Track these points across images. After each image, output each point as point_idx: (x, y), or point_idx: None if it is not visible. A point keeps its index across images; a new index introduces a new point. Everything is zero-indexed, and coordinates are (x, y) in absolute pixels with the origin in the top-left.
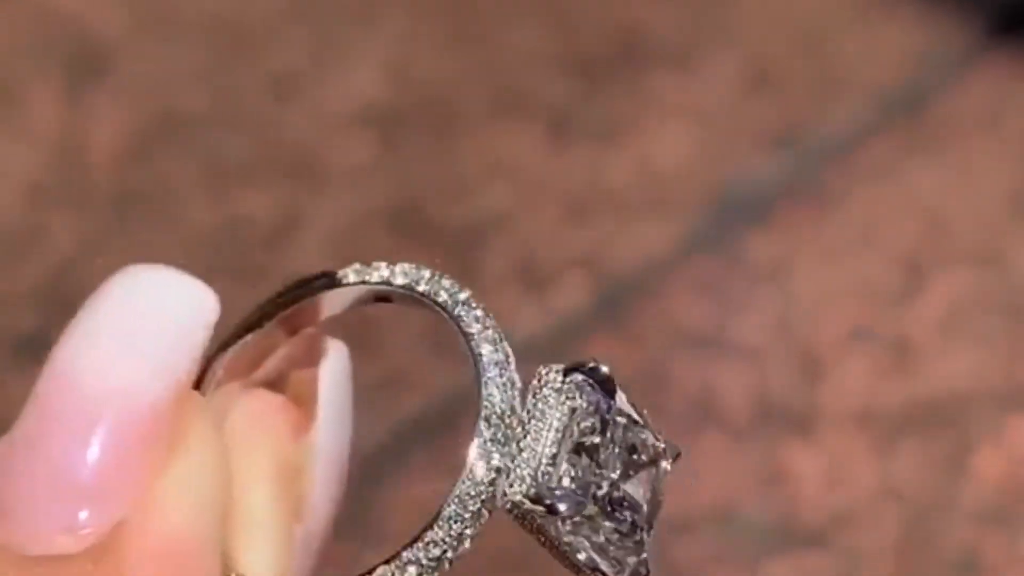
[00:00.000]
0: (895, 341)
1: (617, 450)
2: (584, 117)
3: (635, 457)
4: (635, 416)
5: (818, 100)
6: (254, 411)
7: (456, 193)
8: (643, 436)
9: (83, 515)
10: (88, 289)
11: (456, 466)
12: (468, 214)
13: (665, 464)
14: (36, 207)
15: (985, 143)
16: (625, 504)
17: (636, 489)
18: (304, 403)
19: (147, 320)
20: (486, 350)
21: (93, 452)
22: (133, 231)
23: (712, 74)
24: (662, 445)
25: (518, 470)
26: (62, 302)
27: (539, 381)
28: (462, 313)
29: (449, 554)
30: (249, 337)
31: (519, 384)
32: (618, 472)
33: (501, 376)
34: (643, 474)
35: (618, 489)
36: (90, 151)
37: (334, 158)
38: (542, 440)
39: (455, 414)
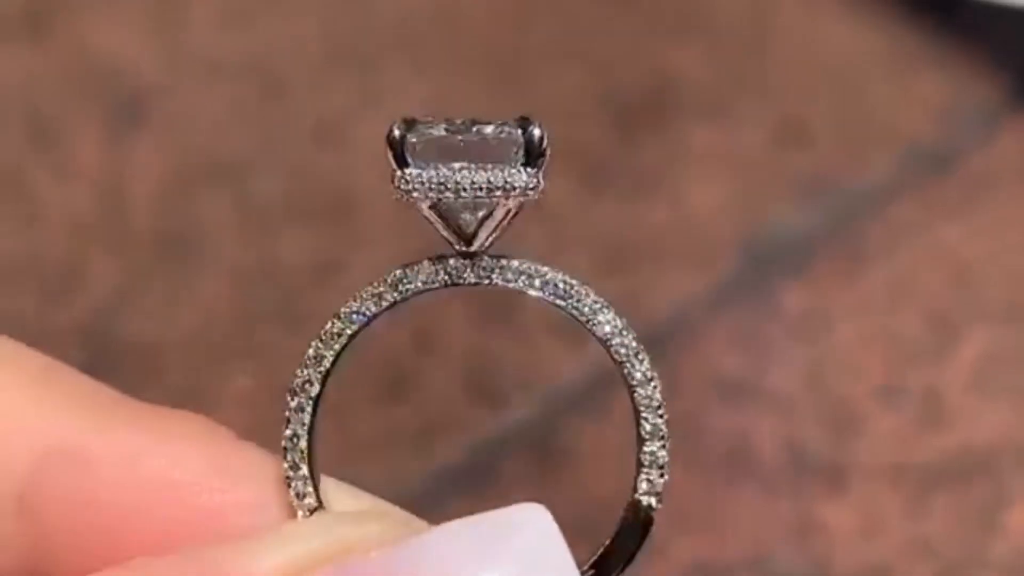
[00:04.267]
0: (927, 395)
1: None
2: (619, 164)
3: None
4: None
5: (850, 153)
6: None
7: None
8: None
9: None
10: (129, 329)
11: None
12: None
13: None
14: (79, 247)
15: (1017, 199)
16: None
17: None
18: None
19: None
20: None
21: None
22: (173, 272)
23: (746, 124)
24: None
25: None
26: (105, 342)
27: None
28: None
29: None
30: None
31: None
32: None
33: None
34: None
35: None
36: (131, 193)
37: (373, 201)
38: None
39: (494, 462)
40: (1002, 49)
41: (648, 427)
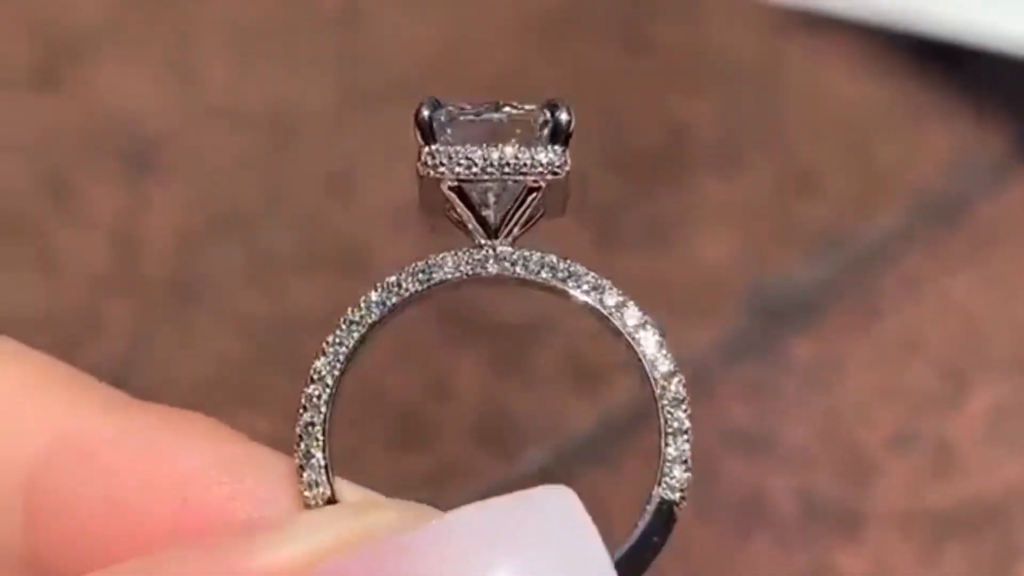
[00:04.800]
0: (939, 446)
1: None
2: (631, 217)
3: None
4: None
5: (860, 204)
6: None
7: (505, 289)
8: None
9: None
10: (142, 378)
11: None
12: (518, 311)
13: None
14: (93, 296)
15: None
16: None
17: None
18: None
19: None
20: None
21: None
22: (185, 321)
23: (756, 177)
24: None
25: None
26: (120, 390)
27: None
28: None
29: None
30: None
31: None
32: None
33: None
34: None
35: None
36: (144, 242)
37: (382, 252)
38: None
39: None
40: (1009, 101)
41: (673, 423)
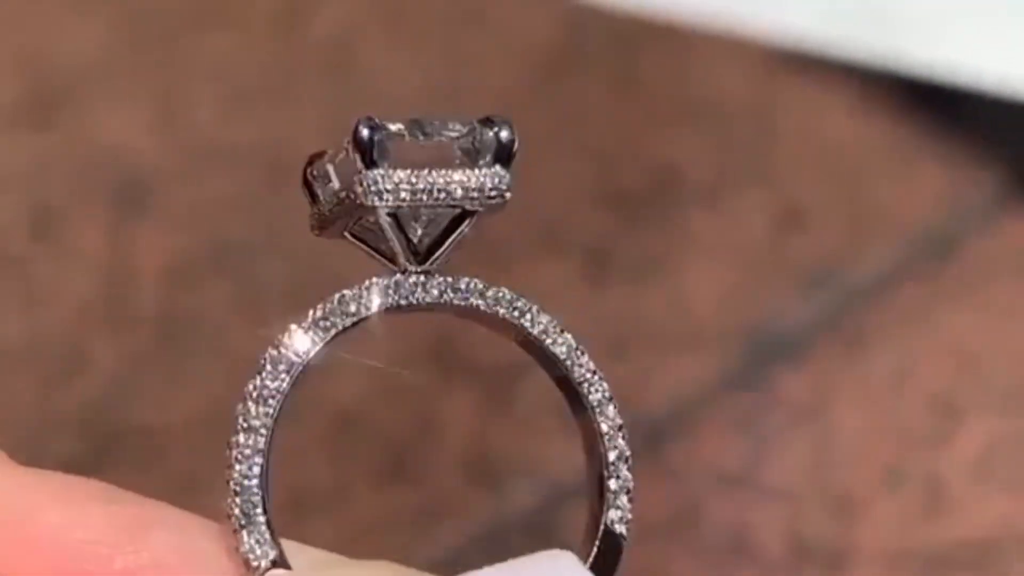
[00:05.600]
0: (929, 483)
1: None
2: (621, 254)
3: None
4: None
5: (851, 241)
6: None
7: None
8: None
9: None
10: (131, 414)
11: None
12: (504, 350)
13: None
14: (83, 331)
15: (1017, 286)
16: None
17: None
18: None
19: None
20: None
21: None
22: (175, 357)
23: (746, 213)
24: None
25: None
26: (106, 426)
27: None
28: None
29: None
30: None
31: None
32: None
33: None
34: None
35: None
36: (134, 278)
37: None
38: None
39: (495, 543)
40: (1000, 141)
41: (615, 451)
